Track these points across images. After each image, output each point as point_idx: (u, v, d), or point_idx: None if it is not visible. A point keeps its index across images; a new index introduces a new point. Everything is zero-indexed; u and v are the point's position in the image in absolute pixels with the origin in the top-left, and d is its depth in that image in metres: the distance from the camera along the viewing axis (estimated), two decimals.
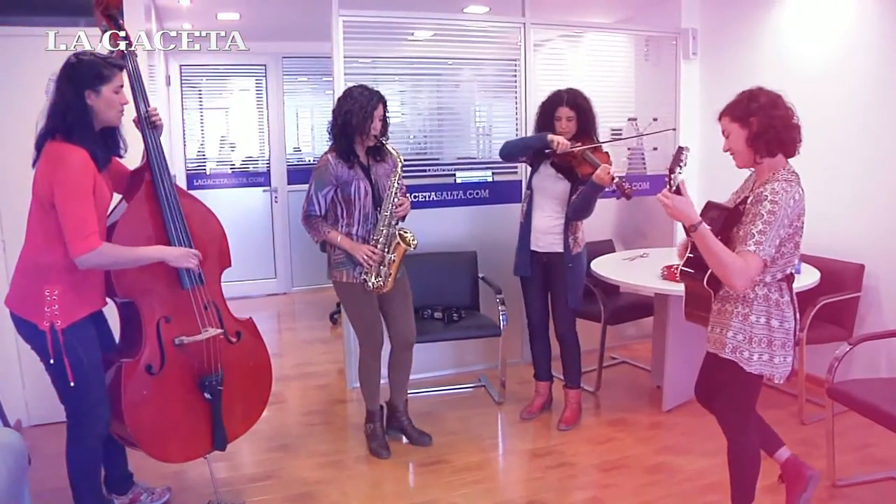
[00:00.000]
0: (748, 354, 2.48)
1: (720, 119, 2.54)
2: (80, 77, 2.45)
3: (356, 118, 3.26)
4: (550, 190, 3.72)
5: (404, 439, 3.74)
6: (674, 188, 2.41)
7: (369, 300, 3.45)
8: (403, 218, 3.47)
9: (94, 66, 2.47)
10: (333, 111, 3.39)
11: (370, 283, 3.34)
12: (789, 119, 2.43)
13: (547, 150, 3.59)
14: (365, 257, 3.31)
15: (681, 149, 2.44)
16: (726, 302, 2.55)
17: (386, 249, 3.34)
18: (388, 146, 3.39)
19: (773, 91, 2.48)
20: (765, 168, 2.48)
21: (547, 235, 3.74)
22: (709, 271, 2.46)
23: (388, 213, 3.34)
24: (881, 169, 3.87)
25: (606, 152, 3.67)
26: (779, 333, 2.48)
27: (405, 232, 3.38)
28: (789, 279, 2.52)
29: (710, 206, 2.53)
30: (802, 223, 2.45)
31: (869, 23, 3.92)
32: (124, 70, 2.63)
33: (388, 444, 3.61)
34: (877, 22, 3.88)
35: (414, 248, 3.38)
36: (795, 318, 2.53)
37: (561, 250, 3.72)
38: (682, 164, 2.42)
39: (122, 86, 2.55)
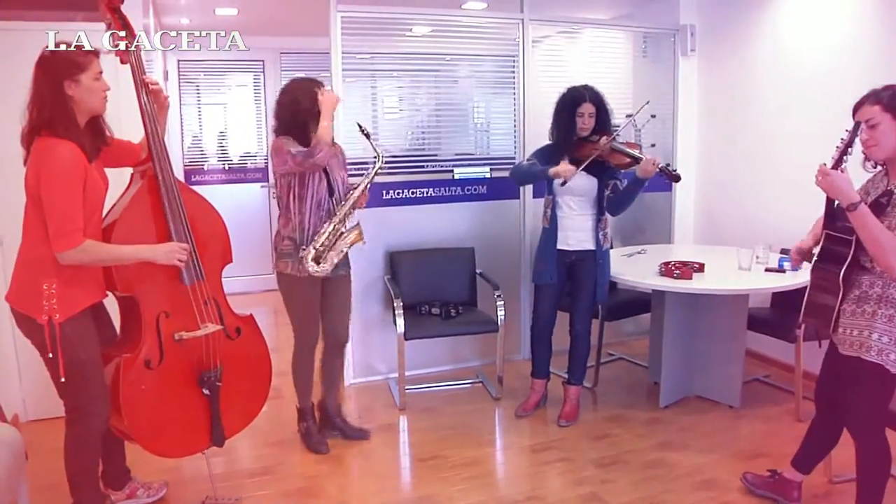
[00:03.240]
0: (894, 357, 2.41)
1: (861, 107, 2.42)
2: (57, 68, 2.42)
3: (305, 102, 3.24)
4: (578, 188, 3.69)
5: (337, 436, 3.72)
6: (842, 166, 2.37)
7: (312, 295, 3.43)
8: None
9: (69, 56, 2.45)
10: (277, 104, 3.33)
11: (312, 269, 3.29)
12: None
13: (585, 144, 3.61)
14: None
15: (858, 124, 2.39)
16: (865, 303, 2.47)
17: (339, 237, 3.34)
18: (372, 143, 3.40)
19: None
20: None
21: (577, 233, 3.73)
22: (845, 266, 2.43)
23: (353, 201, 3.36)
24: None
25: (637, 143, 3.69)
26: None
27: (358, 225, 3.41)
28: None
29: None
30: None
31: (868, 19, 3.92)
32: (134, 57, 2.64)
33: (325, 440, 3.60)
34: (875, 18, 3.88)
35: (363, 245, 3.45)
36: None
37: (591, 247, 3.73)
38: (853, 143, 2.37)
39: (101, 72, 2.51)
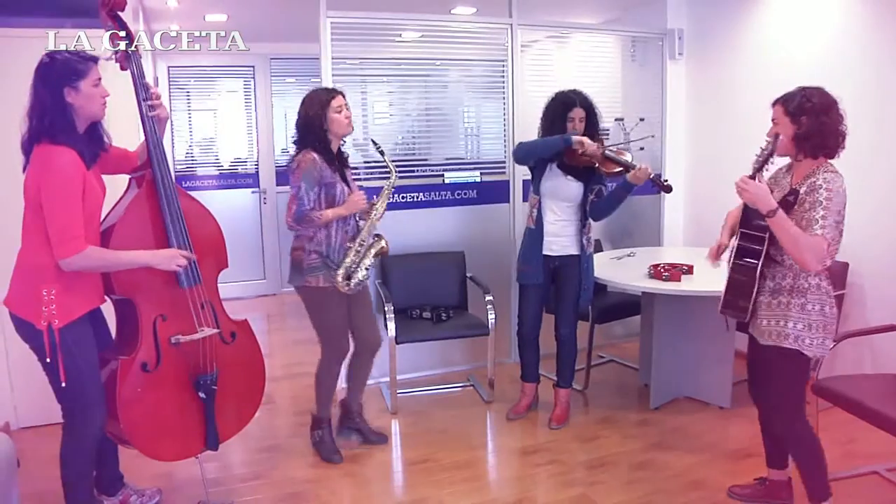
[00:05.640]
0: (809, 341, 2.60)
1: (773, 105, 2.63)
2: (56, 75, 2.44)
3: (313, 110, 3.27)
4: (564, 193, 3.69)
5: (354, 437, 3.73)
6: (760, 175, 2.54)
7: (340, 306, 3.43)
8: None
9: (68, 63, 2.46)
10: (296, 119, 3.38)
11: (343, 286, 3.32)
12: (836, 125, 2.53)
13: (574, 150, 3.52)
14: (363, 202, 3.32)
15: (777, 136, 2.57)
16: (779, 294, 2.65)
17: (366, 252, 3.38)
18: (387, 160, 3.48)
19: (831, 95, 2.55)
20: (806, 164, 2.60)
21: (561, 238, 3.73)
22: (761, 260, 2.62)
23: (377, 218, 3.40)
24: (864, 169, 3.90)
25: (628, 151, 3.70)
26: (830, 318, 2.62)
27: (382, 237, 3.44)
28: (829, 267, 2.63)
29: None
30: (845, 213, 2.55)
31: (854, 23, 3.97)
32: (134, 64, 2.67)
33: (339, 449, 3.57)
34: (862, 22, 3.93)
35: (388, 252, 3.47)
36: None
37: (575, 252, 3.73)
38: (773, 154, 2.56)
39: (100, 79, 2.53)
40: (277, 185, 6.98)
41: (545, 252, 3.75)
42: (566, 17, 5.60)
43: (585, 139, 3.51)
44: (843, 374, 3.48)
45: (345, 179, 3.39)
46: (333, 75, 4.20)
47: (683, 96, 5.30)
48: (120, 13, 2.67)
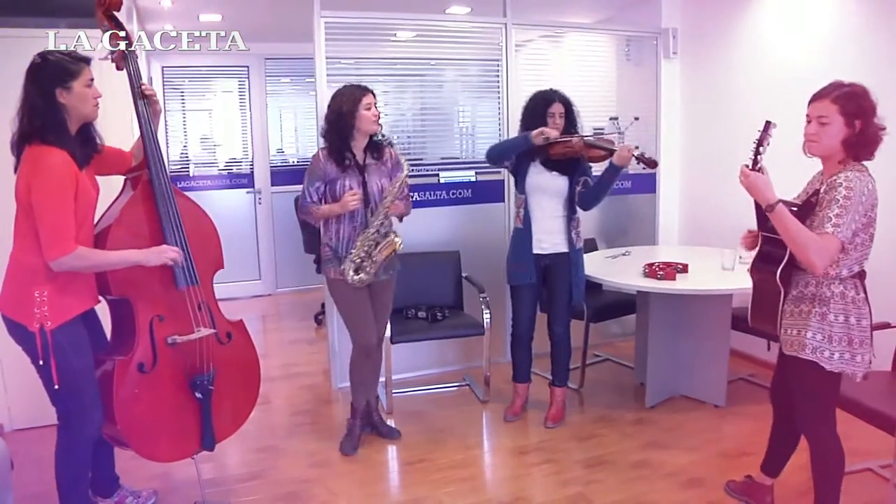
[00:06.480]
0: (829, 354, 2.45)
1: (819, 100, 2.40)
2: (48, 76, 2.43)
3: (346, 106, 3.30)
4: (550, 189, 3.71)
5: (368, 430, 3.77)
6: (758, 166, 2.40)
7: (359, 296, 3.47)
8: (400, 219, 3.60)
9: (60, 63, 2.45)
10: (326, 112, 3.41)
11: (350, 278, 3.36)
12: (879, 128, 2.38)
13: (541, 144, 3.52)
14: (352, 203, 3.31)
15: (768, 123, 2.39)
16: (801, 302, 2.52)
17: (374, 247, 3.39)
18: (394, 151, 3.51)
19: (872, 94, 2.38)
20: (835, 164, 2.44)
21: (551, 236, 3.74)
22: (781, 266, 2.46)
23: (383, 211, 3.40)
24: None
25: (610, 139, 3.71)
26: (857, 331, 2.45)
27: (396, 235, 3.44)
28: (862, 276, 2.50)
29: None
30: (876, 215, 2.41)
31: (848, 21, 3.98)
32: (131, 64, 2.68)
33: (356, 446, 3.62)
34: (857, 21, 3.94)
35: (399, 250, 3.45)
36: (870, 315, 2.50)
37: (565, 250, 3.74)
38: (768, 140, 2.38)
39: (92, 79, 2.52)
40: (272, 185, 6.97)
41: (535, 251, 3.76)
42: (560, 17, 5.60)
43: (544, 129, 3.53)
44: None
45: (362, 174, 3.38)
46: (328, 75, 4.19)
47: (678, 95, 5.30)
48: (116, 13, 2.67)
